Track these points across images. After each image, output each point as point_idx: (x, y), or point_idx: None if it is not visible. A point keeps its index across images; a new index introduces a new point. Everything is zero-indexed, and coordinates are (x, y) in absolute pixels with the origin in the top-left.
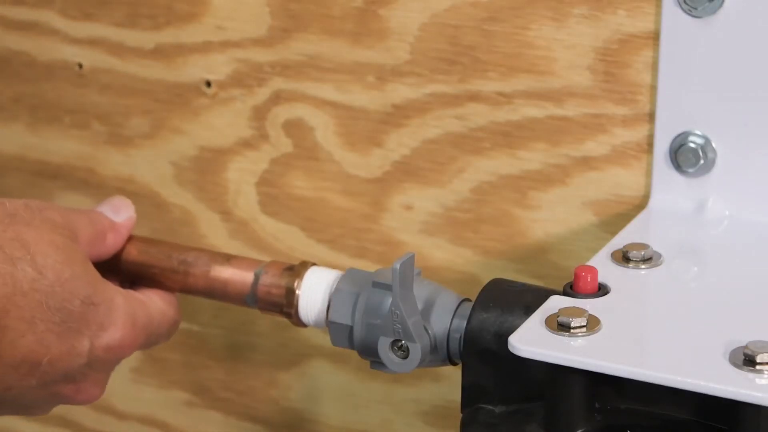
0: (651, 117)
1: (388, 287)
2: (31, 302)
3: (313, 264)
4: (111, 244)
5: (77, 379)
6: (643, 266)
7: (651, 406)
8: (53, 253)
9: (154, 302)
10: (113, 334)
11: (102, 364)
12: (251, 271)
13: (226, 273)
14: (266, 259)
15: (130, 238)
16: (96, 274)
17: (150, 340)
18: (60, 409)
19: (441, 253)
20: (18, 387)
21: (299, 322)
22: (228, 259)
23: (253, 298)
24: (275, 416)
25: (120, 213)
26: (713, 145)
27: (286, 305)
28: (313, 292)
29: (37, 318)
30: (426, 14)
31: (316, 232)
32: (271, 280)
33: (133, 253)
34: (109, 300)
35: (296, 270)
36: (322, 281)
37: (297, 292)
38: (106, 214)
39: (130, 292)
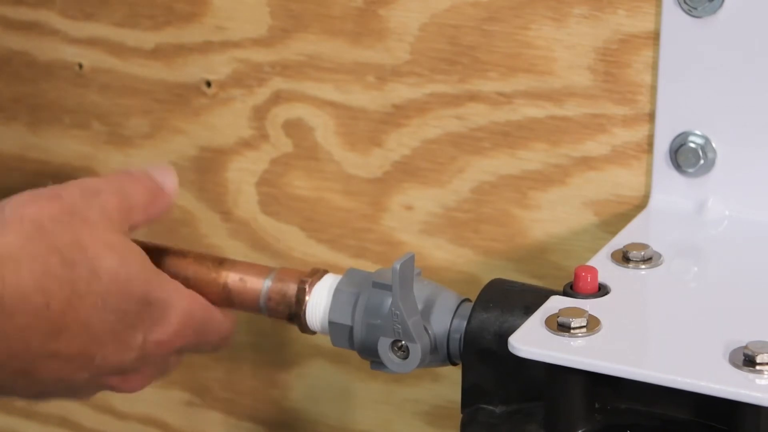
0: (651, 117)
1: (388, 287)
2: (87, 304)
3: (325, 271)
4: (162, 206)
5: (127, 372)
6: (643, 266)
7: (651, 406)
8: (109, 255)
9: (215, 309)
10: (166, 329)
11: (153, 358)
12: (259, 279)
13: (233, 281)
14: (267, 259)
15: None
16: (153, 271)
17: (199, 342)
18: (60, 410)
19: (441, 253)
20: (69, 379)
21: (309, 331)
22: (235, 266)
23: (263, 308)
24: (275, 416)
25: (166, 177)
26: (713, 145)
27: (296, 315)
28: (322, 298)
29: (93, 318)
30: (426, 14)
31: (316, 232)
32: (280, 290)
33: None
34: (166, 298)
35: (306, 279)
36: (330, 289)
37: (307, 300)
38: (154, 176)
39: (193, 292)
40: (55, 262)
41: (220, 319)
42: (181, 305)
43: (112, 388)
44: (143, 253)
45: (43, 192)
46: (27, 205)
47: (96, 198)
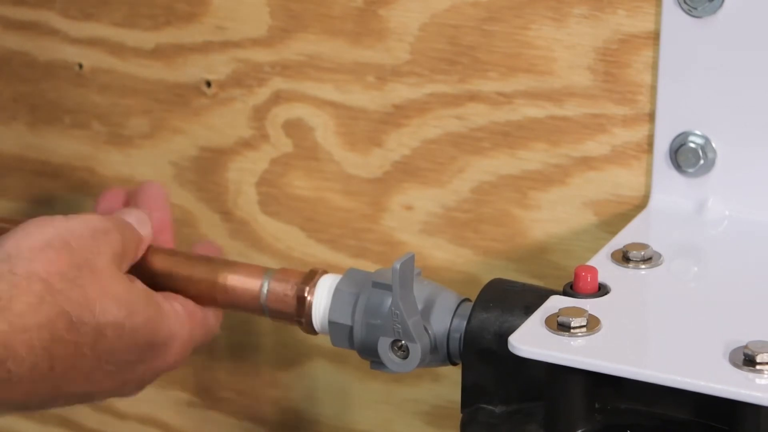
0: (651, 117)
1: (388, 287)
2: (90, 362)
3: (325, 271)
4: (139, 255)
5: (125, 394)
6: (643, 266)
7: (651, 406)
8: (115, 309)
9: (210, 317)
10: (168, 358)
11: (152, 379)
12: (260, 280)
13: (234, 282)
14: (267, 259)
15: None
16: (155, 311)
17: (195, 351)
18: (60, 409)
19: (441, 253)
20: (68, 404)
21: (311, 331)
22: (236, 267)
23: (264, 309)
24: (275, 416)
25: (144, 227)
26: (713, 145)
27: (297, 315)
28: (322, 298)
29: (94, 372)
30: (426, 14)
31: (316, 232)
32: (281, 290)
33: (148, 263)
34: (168, 335)
35: (307, 280)
36: (331, 289)
37: (308, 300)
38: (135, 227)
39: (193, 311)
40: (62, 326)
41: (214, 324)
42: (182, 335)
43: (110, 400)
44: (146, 294)
45: (53, 238)
46: (37, 259)
47: (105, 237)
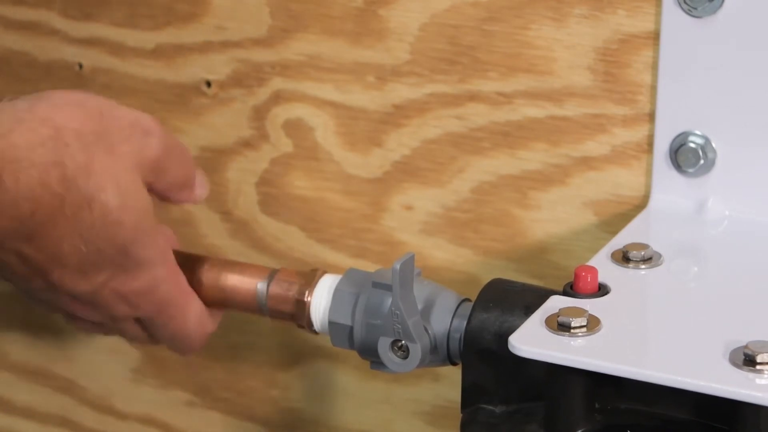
0: (651, 117)
1: (388, 287)
2: (67, 227)
3: (325, 272)
4: (181, 199)
5: (82, 301)
6: (643, 266)
7: (651, 406)
8: (112, 193)
9: (192, 303)
10: (129, 284)
11: (103, 303)
12: (260, 280)
13: (234, 282)
14: (267, 259)
15: None
16: (147, 229)
17: (158, 320)
18: (60, 409)
19: (441, 253)
20: (26, 279)
21: (311, 331)
22: (236, 267)
23: (264, 309)
24: (275, 416)
25: (202, 187)
26: (713, 145)
27: (297, 316)
28: (322, 298)
29: (67, 241)
30: (426, 14)
31: (316, 232)
32: (281, 290)
33: None
34: (144, 258)
35: (307, 280)
36: (331, 289)
37: (308, 300)
38: (191, 160)
39: (179, 272)
40: (55, 175)
41: (192, 314)
42: (155, 273)
43: (67, 312)
44: (149, 208)
45: (89, 102)
46: (61, 109)
47: (143, 138)
